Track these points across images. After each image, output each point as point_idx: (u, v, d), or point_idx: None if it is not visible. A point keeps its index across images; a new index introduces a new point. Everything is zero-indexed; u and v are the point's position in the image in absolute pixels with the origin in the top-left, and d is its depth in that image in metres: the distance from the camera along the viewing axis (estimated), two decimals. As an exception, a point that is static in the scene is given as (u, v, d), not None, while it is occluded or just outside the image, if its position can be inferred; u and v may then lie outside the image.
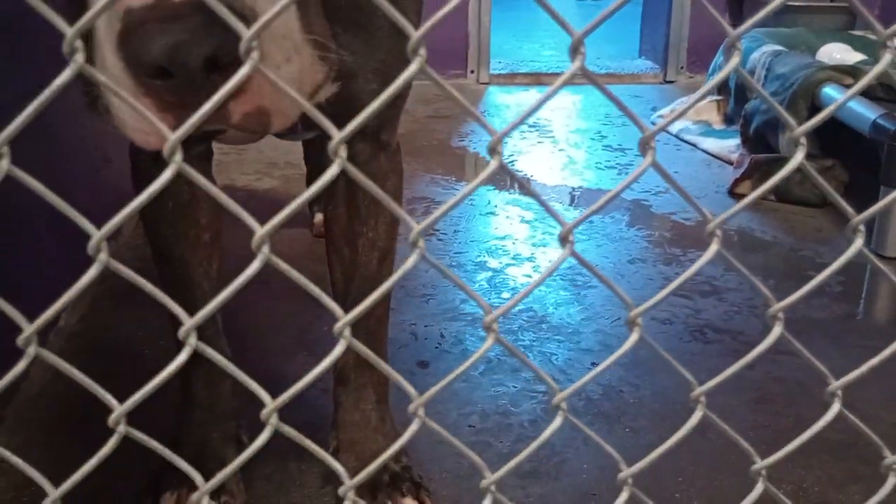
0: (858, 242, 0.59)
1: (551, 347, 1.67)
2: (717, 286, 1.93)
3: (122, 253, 1.97)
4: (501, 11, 4.15)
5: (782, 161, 2.52)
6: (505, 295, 1.89)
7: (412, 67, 0.52)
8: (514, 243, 2.17)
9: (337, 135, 0.53)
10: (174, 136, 0.51)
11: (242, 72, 0.50)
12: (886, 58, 0.57)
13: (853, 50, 2.96)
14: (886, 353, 0.62)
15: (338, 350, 0.57)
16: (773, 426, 1.44)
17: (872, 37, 3.11)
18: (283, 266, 0.56)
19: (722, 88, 3.17)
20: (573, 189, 2.62)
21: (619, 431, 1.41)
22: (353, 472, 1.15)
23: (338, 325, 0.56)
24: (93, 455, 0.59)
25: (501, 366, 1.58)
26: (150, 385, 0.57)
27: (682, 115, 0.59)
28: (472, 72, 3.92)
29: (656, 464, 0.67)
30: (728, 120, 3.09)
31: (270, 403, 0.58)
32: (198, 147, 1.11)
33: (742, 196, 2.53)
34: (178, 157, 0.51)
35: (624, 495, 0.68)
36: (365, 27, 1.00)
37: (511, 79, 4.00)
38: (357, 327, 1.18)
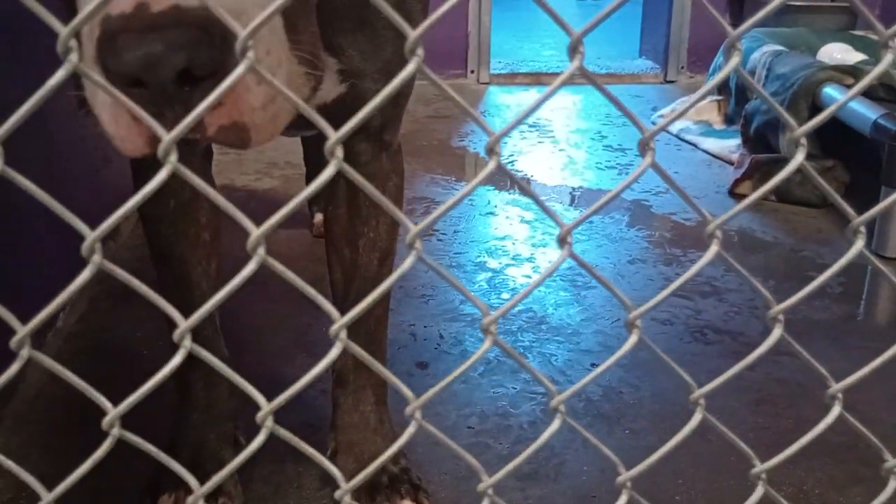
0: (859, 244, 0.59)
1: (551, 348, 1.67)
2: (718, 287, 1.92)
3: (121, 253, 1.96)
4: (502, 11, 4.15)
5: (783, 161, 2.51)
6: (505, 295, 1.88)
7: (409, 68, 0.52)
8: (513, 244, 2.17)
9: (333, 135, 0.52)
10: (168, 137, 0.50)
11: (237, 73, 0.50)
12: (888, 58, 0.56)
13: (854, 50, 2.95)
14: (887, 355, 0.62)
15: (334, 353, 0.56)
16: (773, 427, 1.43)
17: (873, 37, 3.11)
18: (279, 268, 0.56)
19: (722, 88, 3.16)
20: (573, 189, 2.62)
21: (619, 433, 1.41)
22: (351, 474, 1.16)
23: (334, 328, 0.55)
24: (91, 456, 0.58)
25: (501, 367, 1.58)
26: (144, 387, 0.56)
27: (681, 115, 0.58)
28: (473, 72, 3.91)
29: (656, 466, 0.67)
30: (728, 120, 3.09)
31: (266, 406, 0.58)
32: (197, 146, 1.11)
33: (742, 196, 2.52)
34: (174, 157, 0.51)
35: (623, 498, 0.68)
36: (372, 26, 1.00)
37: (511, 79, 3.99)
38: (356, 328, 1.19)
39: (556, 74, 4.23)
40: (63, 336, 1.64)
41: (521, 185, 0.57)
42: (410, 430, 0.60)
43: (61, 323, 1.65)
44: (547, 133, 3.17)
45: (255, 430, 0.59)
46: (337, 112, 1.03)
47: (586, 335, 1.72)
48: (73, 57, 0.48)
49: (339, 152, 0.53)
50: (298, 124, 1.05)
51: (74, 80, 0.52)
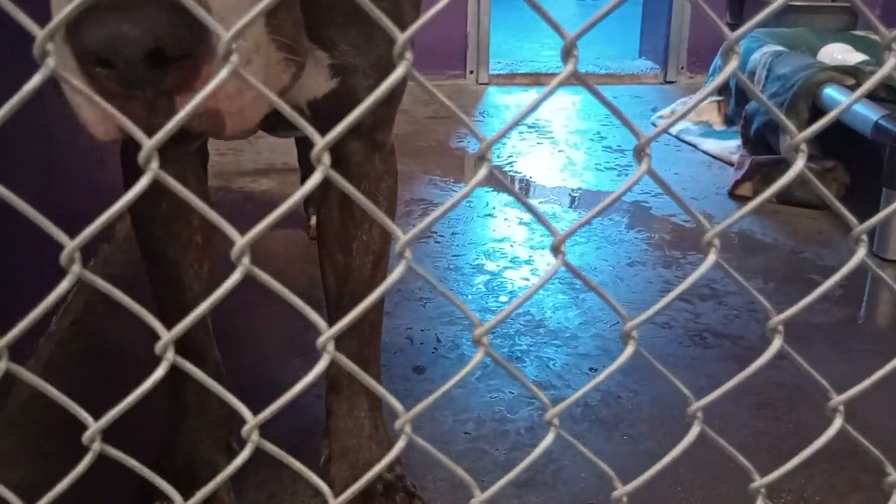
0: (861, 253, 0.57)
1: (549, 352, 1.65)
2: (717, 289, 1.91)
3: (116, 255, 1.95)
4: (501, 11, 4.13)
5: (783, 163, 2.50)
6: (503, 298, 1.87)
7: (398, 72, 0.50)
8: (512, 246, 2.15)
9: (320, 141, 0.51)
10: (150, 143, 0.49)
11: (221, 75, 0.48)
12: (891, 61, 0.54)
13: (854, 50, 2.93)
14: (889, 367, 0.60)
15: (321, 365, 0.54)
16: (773, 432, 1.42)
17: (874, 37, 3.09)
18: (265, 278, 0.54)
19: (723, 89, 3.15)
20: (573, 191, 2.60)
21: (617, 438, 1.39)
22: (345, 482, 1.15)
23: (321, 340, 0.54)
24: (72, 471, 0.57)
25: (498, 371, 1.56)
26: (126, 401, 0.55)
27: (678, 120, 0.57)
28: (472, 72, 3.90)
29: (653, 474, 0.65)
30: (729, 121, 3.07)
31: (251, 420, 0.56)
32: (193, 143, 1.08)
33: (743, 198, 2.51)
34: (154, 164, 0.49)
35: (619, 511, 0.66)
36: (366, 20, 0.98)
37: (510, 79, 3.98)
38: (350, 334, 1.17)
39: (556, 75, 4.20)
40: (56, 340, 1.62)
41: (515, 193, 0.56)
42: (400, 445, 0.58)
43: (54, 326, 1.63)
44: (546, 134, 3.16)
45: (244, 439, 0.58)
46: (328, 108, 1.01)
47: (584, 339, 1.70)
48: (51, 61, 0.47)
49: (326, 159, 0.51)
50: (288, 125, 1.04)
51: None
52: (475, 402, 1.47)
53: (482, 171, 0.51)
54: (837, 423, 0.62)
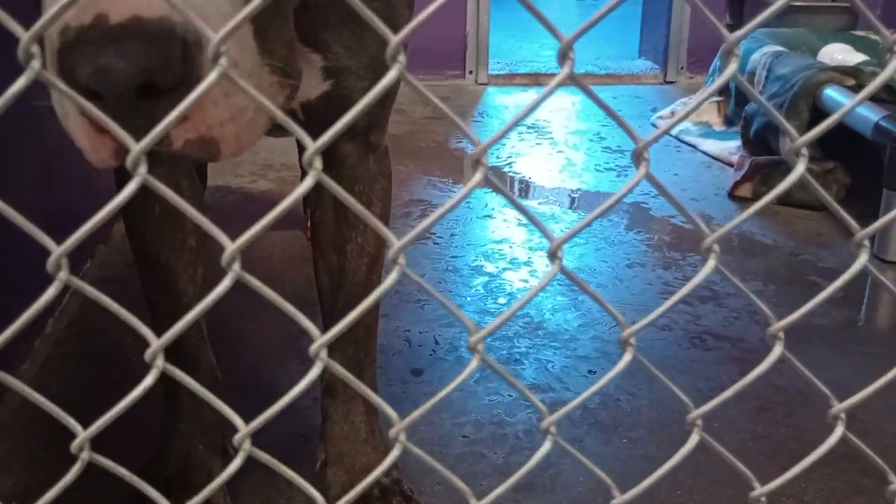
0: (863, 258, 0.56)
1: (548, 354, 1.64)
2: (717, 291, 1.90)
3: (112, 257, 1.94)
4: (500, 11, 4.12)
5: (783, 164, 2.49)
6: (501, 300, 1.86)
7: (391, 74, 0.49)
8: (510, 247, 2.14)
9: (311, 145, 0.50)
10: (137, 148, 0.48)
11: (210, 79, 0.47)
12: (892, 64, 0.54)
13: (855, 51, 2.92)
14: (891, 375, 0.59)
15: (314, 372, 0.53)
16: (773, 436, 1.41)
17: (874, 37, 3.08)
18: (256, 284, 0.53)
19: (723, 90, 3.14)
20: (572, 192, 2.59)
21: (616, 442, 1.38)
22: (341, 487, 1.14)
23: (314, 347, 0.53)
24: (60, 480, 0.56)
25: (496, 374, 1.55)
26: (115, 409, 0.54)
27: (677, 123, 0.56)
28: (471, 72, 3.89)
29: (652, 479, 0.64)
30: (728, 121, 3.06)
31: (243, 429, 0.55)
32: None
33: (742, 198, 2.50)
34: (143, 169, 0.48)
35: (617, 520, 0.65)
36: (359, 22, 0.97)
37: (510, 79, 3.97)
38: (346, 337, 1.16)
39: (555, 76, 4.19)
40: (52, 342, 1.61)
41: (510, 197, 0.55)
42: (395, 453, 0.57)
43: (50, 329, 1.63)
44: (545, 134, 3.15)
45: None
46: (321, 109, 1.00)
47: (583, 341, 1.69)
48: (35, 64, 0.46)
49: (318, 163, 0.50)
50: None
51: (41, 89, 0.50)
52: (473, 406, 1.46)
53: (477, 176, 0.50)
54: (839, 430, 0.61)
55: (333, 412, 1.18)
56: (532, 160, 2.88)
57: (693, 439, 0.59)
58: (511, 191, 2.51)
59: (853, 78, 2.44)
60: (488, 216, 2.35)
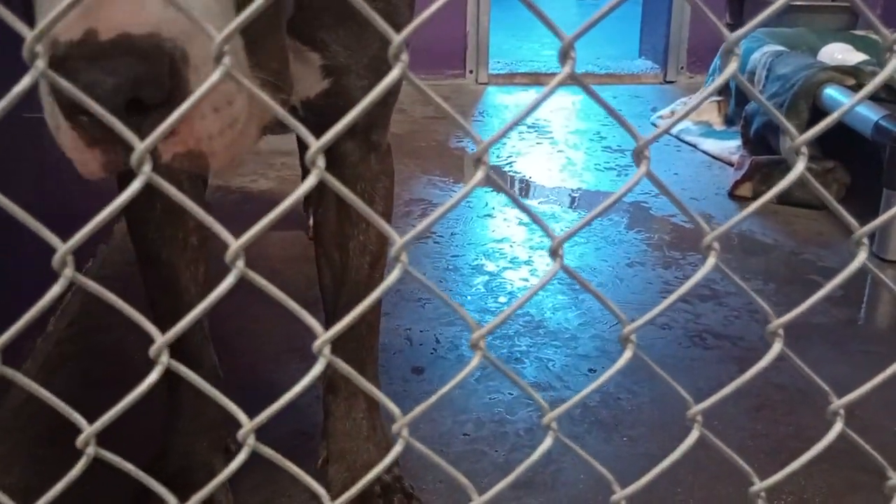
0: (862, 256, 0.57)
1: (548, 353, 1.65)
2: (717, 290, 1.90)
3: (113, 256, 1.94)
4: (500, 11, 4.12)
5: (783, 163, 2.49)
6: (502, 299, 1.86)
7: (393, 73, 0.50)
8: (511, 246, 2.15)
9: (315, 144, 0.50)
10: (142, 146, 0.48)
11: (213, 78, 0.48)
12: (892, 63, 0.54)
13: (855, 50, 2.93)
14: (890, 370, 0.59)
15: (317, 368, 0.54)
16: (772, 435, 1.41)
17: (874, 36, 3.08)
18: (260, 281, 0.54)
19: (723, 90, 3.14)
20: (572, 191, 2.60)
21: (617, 440, 1.39)
22: (343, 484, 1.14)
23: (317, 344, 0.53)
24: (66, 475, 0.56)
25: (497, 372, 1.55)
26: (120, 405, 0.54)
27: (677, 122, 0.56)
28: (471, 72, 3.89)
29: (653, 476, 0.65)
30: (729, 121, 3.07)
31: (247, 424, 0.56)
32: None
33: (743, 198, 2.50)
34: (147, 167, 0.49)
35: (618, 516, 0.66)
36: (358, 21, 0.97)
37: (510, 79, 3.97)
38: (347, 334, 1.16)
39: (555, 75, 4.19)
40: (53, 341, 1.61)
41: (512, 196, 0.55)
42: (398, 449, 0.58)
43: (51, 327, 1.63)
44: (546, 134, 3.15)
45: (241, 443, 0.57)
46: (321, 107, 1.01)
47: (584, 340, 1.70)
48: (40, 63, 0.46)
49: (321, 162, 0.51)
50: (284, 125, 1.04)
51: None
52: (474, 404, 1.47)
53: (479, 174, 0.50)
54: (838, 426, 0.61)
55: (335, 409, 1.19)
56: (532, 159, 2.88)
57: (693, 435, 0.59)
58: (511, 190, 2.51)
59: (853, 77, 2.44)
60: (489, 215, 2.36)
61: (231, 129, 0.65)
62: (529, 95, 3.73)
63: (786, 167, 2.38)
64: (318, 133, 0.50)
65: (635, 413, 1.46)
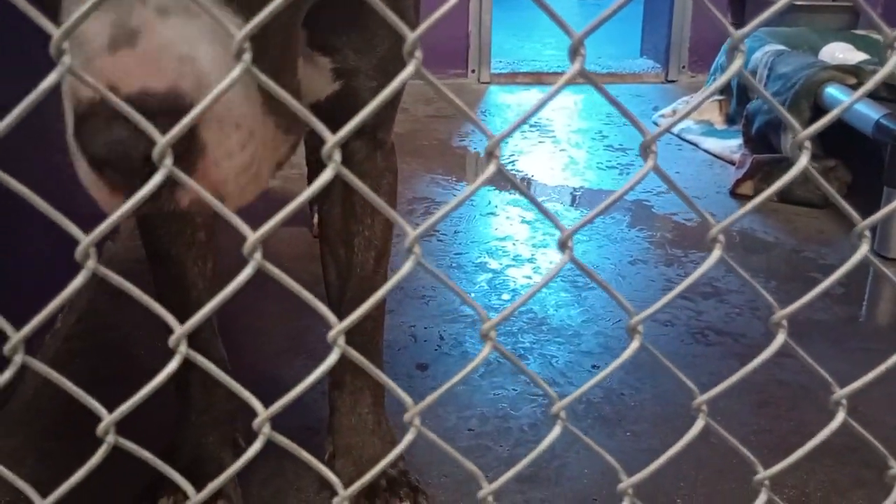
0: (864, 249, 0.58)
1: (552, 350, 1.66)
2: (719, 287, 1.92)
3: (120, 254, 1.95)
4: (502, 11, 4.14)
5: (784, 162, 2.51)
6: (505, 297, 1.87)
7: (408, 69, 0.51)
8: (514, 244, 2.16)
9: (331, 138, 0.52)
10: (164, 140, 0.50)
11: (234, 74, 0.49)
12: (893, 60, 0.55)
13: (856, 49, 2.94)
14: (891, 362, 0.61)
15: (332, 358, 0.55)
16: (775, 430, 1.43)
17: (875, 36, 3.10)
18: (276, 272, 0.55)
19: (724, 88, 3.15)
20: (574, 189, 2.61)
21: (620, 436, 1.40)
22: (349, 478, 1.16)
23: (332, 334, 0.55)
24: (88, 460, 0.57)
25: (501, 368, 1.57)
26: (139, 394, 0.55)
27: (682, 118, 0.57)
28: (473, 71, 3.90)
29: (658, 469, 0.66)
30: (730, 120, 3.08)
31: (263, 413, 0.57)
32: None
33: (744, 197, 2.52)
34: (169, 161, 0.50)
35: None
36: (367, 24, 0.99)
37: (512, 78, 3.98)
38: (352, 331, 1.17)
39: (557, 74, 4.23)
40: (61, 337, 1.63)
41: (522, 189, 0.57)
42: (409, 437, 0.59)
43: (59, 324, 1.64)
44: (548, 133, 3.17)
45: (255, 432, 0.58)
46: (331, 109, 1.02)
47: (587, 336, 1.71)
48: (66, 59, 0.47)
49: (337, 156, 0.52)
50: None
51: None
52: (479, 399, 1.48)
53: (491, 168, 0.52)
54: (840, 416, 0.63)
55: (341, 404, 1.20)
56: (534, 158, 2.90)
57: (699, 424, 0.61)
58: (514, 189, 2.52)
59: (854, 76, 2.45)
60: (492, 213, 2.37)
61: (245, 172, 0.67)
62: (531, 95, 3.75)
63: (787, 166, 2.39)
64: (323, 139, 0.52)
65: (638, 409, 1.47)
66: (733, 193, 2.54)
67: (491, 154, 0.52)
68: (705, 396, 0.60)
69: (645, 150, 0.54)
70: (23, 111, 0.48)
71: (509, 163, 2.84)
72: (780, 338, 0.58)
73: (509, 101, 3.64)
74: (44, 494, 0.61)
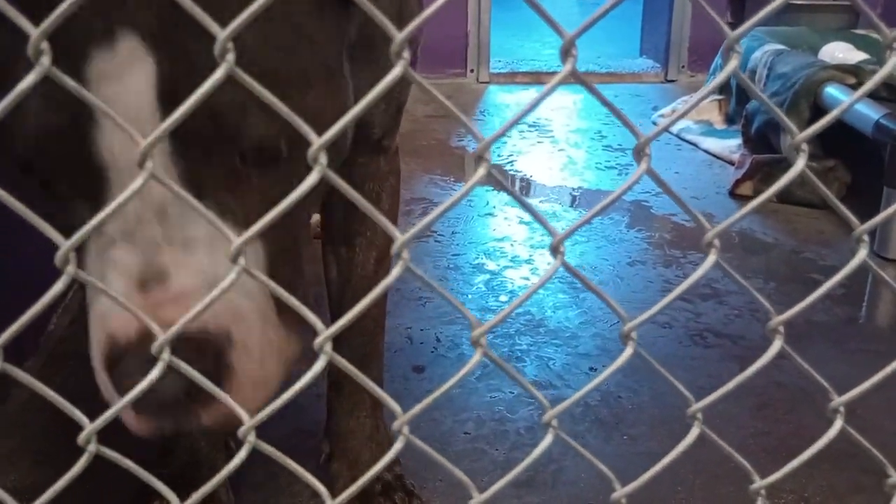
0: (863, 253, 0.57)
1: (549, 352, 1.65)
2: (718, 289, 1.90)
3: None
4: (501, 10, 4.12)
5: (784, 162, 2.49)
6: (503, 298, 1.86)
7: (395, 71, 0.50)
8: (512, 245, 2.15)
9: (317, 140, 0.50)
10: (150, 139, 0.48)
11: (217, 75, 0.48)
12: (892, 60, 0.54)
13: (855, 49, 2.93)
14: (890, 368, 0.60)
15: (318, 366, 0.54)
16: (774, 433, 1.41)
17: (875, 36, 3.08)
18: (261, 277, 0.54)
19: (723, 88, 3.14)
20: (573, 190, 2.60)
21: (617, 439, 1.39)
22: (345, 482, 1.15)
23: (318, 341, 0.53)
24: (67, 472, 0.56)
25: (498, 371, 1.56)
26: (122, 401, 0.54)
27: (678, 119, 0.56)
28: (472, 71, 3.89)
29: (654, 475, 0.65)
30: (729, 120, 3.07)
31: (248, 421, 0.56)
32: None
33: (743, 197, 2.50)
34: (150, 164, 0.49)
35: (619, 513, 0.66)
36: (377, 61, 0.99)
37: (511, 78, 3.97)
38: (354, 330, 1.17)
39: (557, 74, 4.19)
40: (55, 339, 1.62)
41: (514, 193, 0.56)
42: (398, 446, 0.58)
43: (53, 326, 1.63)
44: (546, 133, 3.15)
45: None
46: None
47: (584, 339, 1.70)
48: (45, 60, 0.46)
49: (323, 158, 0.51)
50: None
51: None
52: (475, 402, 1.47)
53: (480, 171, 0.51)
54: (838, 424, 0.61)
55: (339, 407, 1.19)
56: (533, 158, 2.88)
57: (693, 432, 0.59)
58: (512, 188, 2.51)
59: (854, 76, 2.44)
60: (489, 214, 2.36)
61: (262, 392, 0.70)
62: (530, 94, 3.73)
63: (787, 166, 2.38)
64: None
65: (636, 412, 1.46)
66: (733, 194, 2.53)
67: (481, 157, 0.51)
68: (700, 404, 0.59)
69: (638, 154, 0.53)
70: (2, 111, 0.46)
71: (507, 163, 2.83)
72: (777, 344, 0.57)
73: (508, 101, 3.63)
74: (39, 497, 0.60)
